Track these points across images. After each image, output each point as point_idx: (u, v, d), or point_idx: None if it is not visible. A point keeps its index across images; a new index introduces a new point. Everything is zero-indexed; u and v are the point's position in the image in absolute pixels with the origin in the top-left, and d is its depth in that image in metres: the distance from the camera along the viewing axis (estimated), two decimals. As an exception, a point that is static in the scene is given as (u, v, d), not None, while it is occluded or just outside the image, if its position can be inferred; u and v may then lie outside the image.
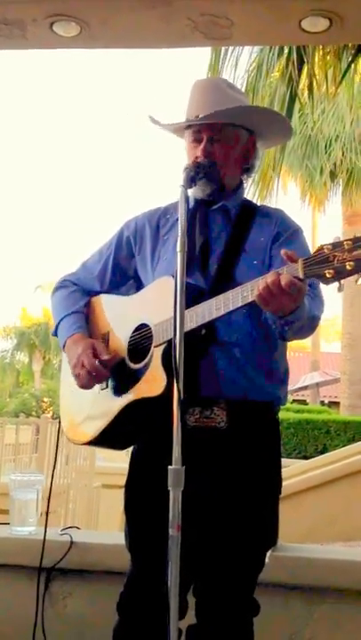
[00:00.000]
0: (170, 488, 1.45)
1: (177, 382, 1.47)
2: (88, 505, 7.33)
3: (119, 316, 1.95)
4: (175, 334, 1.49)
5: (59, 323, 1.99)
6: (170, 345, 1.64)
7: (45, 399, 29.58)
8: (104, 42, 2.95)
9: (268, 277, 1.51)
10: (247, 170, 1.97)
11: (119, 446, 2.00)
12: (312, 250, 1.53)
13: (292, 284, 1.48)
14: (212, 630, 1.74)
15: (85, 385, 1.86)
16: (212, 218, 1.88)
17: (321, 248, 1.44)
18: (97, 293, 2.05)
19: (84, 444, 1.99)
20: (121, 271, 2.03)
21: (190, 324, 1.65)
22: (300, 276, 1.47)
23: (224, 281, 1.78)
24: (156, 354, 1.74)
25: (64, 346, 1.95)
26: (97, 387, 1.89)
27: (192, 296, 1.66)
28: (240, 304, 1.59)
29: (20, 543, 2.53)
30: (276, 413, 1.91)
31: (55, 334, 2.03)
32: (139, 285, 2.01)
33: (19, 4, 2.65)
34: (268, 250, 1.87)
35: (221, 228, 1.89)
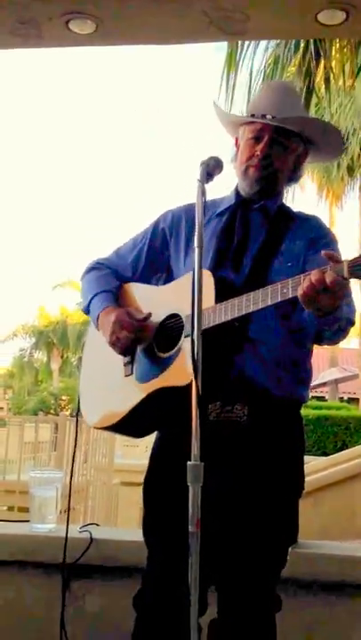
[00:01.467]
0: (189, 484, 1.45)
1: (195, 378, 1.46)
2: (107, 502, 7.37)
3: (150, 304, 1.96)
4: (193, 329, 1.50)
5: (91, 300, 2.02)
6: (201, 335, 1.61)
7: (64, 397, 29.76)
8: (120, 38, 2.95)
9: (313, 275, 1.50)
10: (292, 179, 2.01)
11: (138, 433, 2.02)
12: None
13: (337, 283, 1.48)
14: (234, 624, 1.74)
15: (125, 347, 1.88)
16: (252, 216, 1.91)
17: None
18: (128, 280, 2.07)
19: (105, 428, 2.02)
20: (154, 261, 2.06)
21: (225, 317, 1.67)
22: (345, 275, 1.47)
23: (257, 279, 1.80)
24: (186, 344, 1.75)
25: (97, 320, 1.97)
26: (121, 372, 1.92)
27: (224, 290, 1.72)
28: (279, 299, 1.59)
29: (40, 540, 2.54)
30: (298, 410, 1.90)
31: (87, 312, 2.05)
32: (169, 278, 2.03)
33: (34, 3, 2.65)
34: (303, 254, 1.89)
35: (260, 227, 1.92)
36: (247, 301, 1.65)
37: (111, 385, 1.97)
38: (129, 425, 1.90)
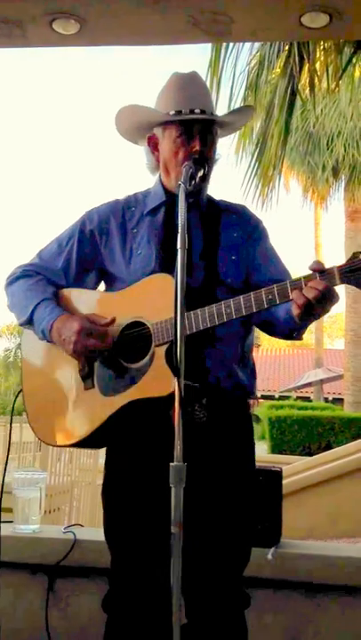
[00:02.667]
0: (171, 485, 1.45)
1: (178, 380, 1.46)
2: (92, 503, 7.34)
3: (101, 311, 1.87)
4: (176, 332, 1.48)
5: (34, 309, 1.88)
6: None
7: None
8: (104, 39, 2.95)
9: (316, 285, 1.56)
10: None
11: (100, 445, 1.95)
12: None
13: (330, 291, 1.56)
14: (206, 626, 1.73)
15: (90, 357, 1.81)
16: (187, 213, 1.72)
17: (356, 256, 1.51)
18: (61, 287, 1.97)
19: (68, 445, 1.95)
20: (84, 265, 1.97)
21: (203, 325, 1.68)
22: (337, 282, 1.55)
23: (211, 278, 1.82)
24: (159, 353, 1.73)
25: (50, 329, 1.84)
26: (76, 386, 1.85)
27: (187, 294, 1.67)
28: (265, 306, 1.63)
29: (24, 541, 2.53)
30: (249, 406, 1.95)
31: (28, 323, 1.91)
32: (104, 279, 1.97)
33: (18, 3, 2.65)
34: (244, 246, 1.92)
35: (196, 223, 1.87)
36: (227, 308, 1.66)
37: (67, 400, 1.86)
38: (95, 439, 1.84)
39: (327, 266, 1.58)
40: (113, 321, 1.81)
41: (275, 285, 1.63)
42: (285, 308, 1.72)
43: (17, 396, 2.13)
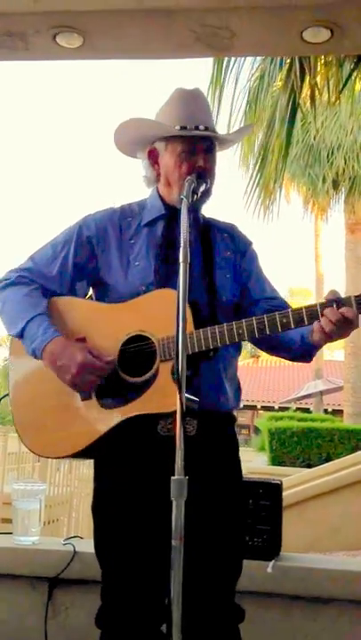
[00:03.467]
0: (173, 498, 1.45)
1: (180, 394, 1.47)
2: (91, 514, 7.32)
3: (99, 322, 1.86)
4: (178, 346, 1.49)
5: (26, 324, 1.83)
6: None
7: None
8: (106, 53, 2.97)
9: (339, 312, 1.64)
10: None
11: (93, 457, 1.91)
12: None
13: (349, 317, 1.65)
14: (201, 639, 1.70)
15: (87, 390, 1.79)
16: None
17: None
18: (52, 293, 1.93)
19: (64, 457, 1.92)
20: (79, 272, 1.94)
21: (213, 344, 1.70)
22: (355, 310, 1.65)
23: (213, 296, 1.85)
24: (164, 369, 1.73)
25: (41, 350, 1.80)
26: (72, 398, 1.82)
27: (196, 312, 1.73)
28: (279, 330, 1.69)
29: (23, 553, 2.52)
30: (235, 420, 1.97)
31: (18, 336, 1.86)
32: (96, 289, 1.96)
33: (22, 16, 2.67)
34: (238, 266, 1.96)
35: (195, 238, 1.88)
36: (239, 329, 1.69)
37: (61, 411, 1.84)
38: (90, 452, 1.83)
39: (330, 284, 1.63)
40: (114, 360, 1.78)
41: (290, 310, 1.69)
42: (299, 333, 1.78)
43: (1, 399, 2.12)
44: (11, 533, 2.60)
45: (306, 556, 2.63)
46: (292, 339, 1.83)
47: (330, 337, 1.69)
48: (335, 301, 1.66)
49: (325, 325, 1.65)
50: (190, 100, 1.92)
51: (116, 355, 1.79)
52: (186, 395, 1.51)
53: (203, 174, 1.84)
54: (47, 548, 2.53)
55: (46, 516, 2.56)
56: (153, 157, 1.94)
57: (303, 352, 1.87)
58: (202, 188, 1.80)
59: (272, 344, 1.92)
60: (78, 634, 2.40)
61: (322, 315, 1.66)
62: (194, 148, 1.87)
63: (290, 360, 1.97)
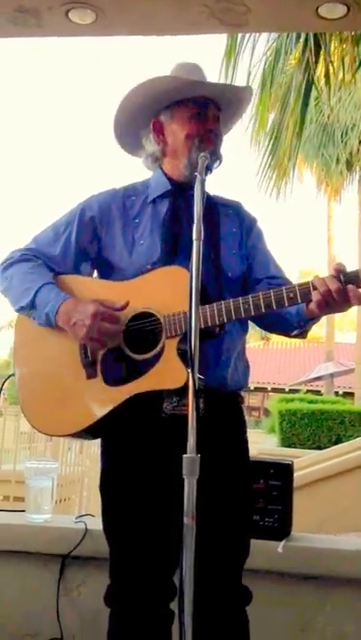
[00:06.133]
0: (184, 476, 1.45)
1: (192, 372, 1.46)
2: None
3: (105, 300, 1.83)
4: (191, 324, 1.48)
5: (37, 292, 1.84)
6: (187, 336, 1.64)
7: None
8: (119, 29, 2.93)
9: (329, 284, 1.62)
10: None
11: (99, 436, 1.92)
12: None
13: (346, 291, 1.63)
14: (205, 625, 1.66)
15: (105, 342, 1.77)
16: (191, 203, 1.63)
17: None
18: (56, 274, 1.93)
19: (67, 435, 1.92)
20: (82, 252, 1.95)
21: (219, 319, 1.69)
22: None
23: (218, 271, 1.83)
24: (170, 345, 1.73)
25: (56, 312, 1.80)
26: (77, 375, 1.82)
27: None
28: (286, 305, 1.67)
29: (36, 530, 2.54)
30: (242, 400, 1.95)
31: (30, 307, 1.85)
32: (100, 269, 1.95)
33: (34, -8, 2.64)
34: (243, 241, 1.94)
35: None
36: (245, 304, 1.67)
37: (66, 389, 1.83)
38: (95, 430, 1.82)
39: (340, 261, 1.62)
40: (127, 305, 1.77)
41: (296, 285, 1.67)
42: (296, 307, 1.75)
43: (5, 381, 2.11)
44: (23, 511, 2.62)
45: (317, 537, 2.63)
46: (289, 311, 1.80)
47: (326, 305, 1.64)
48: (342, 274, 1.63)
49: (320, 287, 1.63)
50: (192, 70, 1.91)
51: (128, 303, 1.78)
52: (189, 372, 1.51)
53: (214, 137, 1.84)
54: (59, 526, 2.55)
55: (58, 494, 2.58)
56: (158, 129, 1.93)
57: (299, 325, 1.82)
58: (216, 165, 1.79)
59: (270, 320, 1.89)
60: (90, 610, 2.42)
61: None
62: (202, 112, 1.87)
63: (286, 336, 1.93)
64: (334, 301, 1.63)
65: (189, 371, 1.46)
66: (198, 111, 1.87)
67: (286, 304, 1.66)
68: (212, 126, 1.87)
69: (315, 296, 1.64)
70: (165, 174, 1.94)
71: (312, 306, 1.66)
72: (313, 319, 1.77)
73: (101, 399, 1.79)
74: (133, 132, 1.98)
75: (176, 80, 1.87)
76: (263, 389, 24.92)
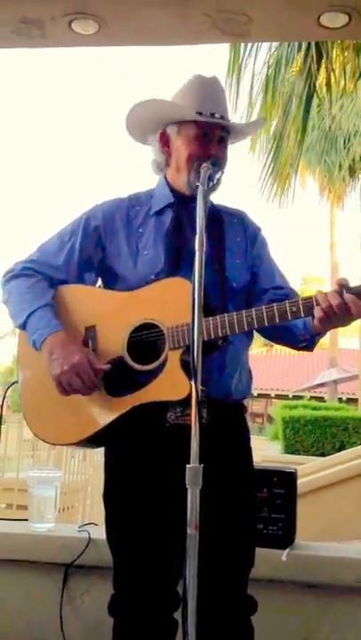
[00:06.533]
0: (188, 486, 1.45)
1: (195, 382, 1.47)
2: (105, 501, 7.36)
3: (109, 310, 1.86)
4: (193, 335, 1.49)
5: (31, 314, 1.85)
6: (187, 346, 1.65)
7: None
8: (122, 39, 2.95)
9: (334, 299, 1.63)
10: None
11: (102, 445, 1.93)
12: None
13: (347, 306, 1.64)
14: (210, 635, 1.68)
15: (68, 392, 1.78)
16: (194, 215, 1.65)
17: None
18: (60, 282, 1.95)
19: (71, 444, 1.93)
20: (86, 261, 1.95)
21: (222, 332, 1.69)
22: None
23: (222, 283, 1.84)
24: (173, 357, 1.73)
25: (43, 341, 1.81)
26: None
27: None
28: (289, 319, 1.68)
29: (39, 539, 2.54)
30: (246, 409, 1.96)
31: (22, 328, 1.88)
32: (104, 279, 1.96)
33: (37, 4, 2.66)
34: (248, 252, 1.95)
35: (205, 225, 1.81)
36: (249, 317, 1.68)
37: (69, 399, 1.82)
38: (96, 440, 1.84)
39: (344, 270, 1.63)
40: (108, 366, 1.78)
41: (300, 299, 1.68)
42: (303, 320, 1.77)
43: (8, 388, 2.12)
44: (26, 520, 2.62)
45: (321, 545, 2.63)
46: (296, 324, 1.82)
47: (328, 320, 1.66)
48: (345, 289, 1.65)
49: (322, 301, 1.64)
50: (208, 87, 1.91)
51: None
52: (192, 383, 1.51)
53: (217, 162, 1.83)
54: (63, 535, 2.55)
55: (61, 502, 2.58)
56: (164, 141, 1.94)
57: (305, 339, 1.85)
58: (218, 176, 1.80)
59: (277, 332, 1.90)
60: (93, 619, 2.42)
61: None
62: (207, 134, 1.87)
63: (293, 348, 1.95)
64: (336, 315, 1.64)
65: (192, 382, 1.47)
66: (204, 132, 1.86)
67: (289, 318, 1.67)
68: (214, 151, 1.86)
69: (317, 312, 1.65)
70: (169, 185, 1.95)
71: (315, 322, 1.68)
72: (319, 334, 1.80)
73: (103, 410, 1.80)
74: (142, 137, 2.00)
75: (179, 109, 1.88)
76: (267, 396, 24.87)
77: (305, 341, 1.86)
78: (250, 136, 2.15)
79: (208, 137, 1.87)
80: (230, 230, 1.95)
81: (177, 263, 1.82)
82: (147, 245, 1.88)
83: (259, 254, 1.99)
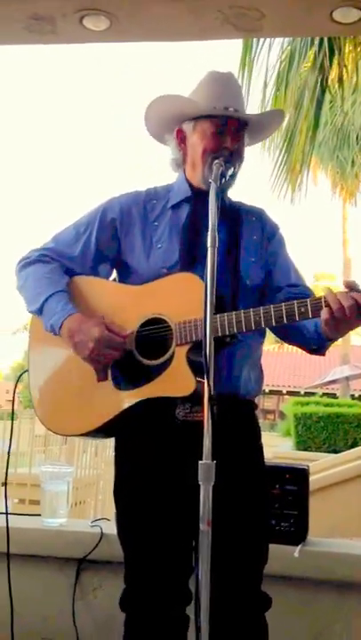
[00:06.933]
0: (200, 482, 1.45)
1: (208, 379, 1.47)
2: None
3: (119, 303, 1.87)
4: (206, 332, 1.49)
5: (45, 300, 1.86)
6: (197, 345, 1.65)
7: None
8: (133, 35, 2.95)
9: (345, 301, 1.59)
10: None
11: (108, 436, 1.96)
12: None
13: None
14: (223, 631, 1.68)
15: (106, 365, 1.80)
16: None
17: None
18: (73, 274, 1.96)
19: (75, 435, 1.96)
20: (101, 253, 1.96)
21: (230, 330, 1.68)
22: None
23: (235, 280, 1.83)
24: (180, 353, 1.73)
25: (59, 327, 1.83)
26: (88, 378, 1.84)
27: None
28: (297, 319, 1.65)
29: (51, 535, 2.56)
30: (256, 407, 1.95)
31: (38, 313, 1.89)
32: (118, 271, 1.97)
33: (49, 0, 2.66)
34: (264, 249, 1.94)
35: (219, 222, 1.82)
36: (257, 316, 1.67)
37: (78, 390, 1.85)
38: (102, 431, 1.86)
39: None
40: (131, 334, 1.80)
41: (308, 299, 1.65)
42: (314, 323, 1.75)
43: (20, 376, 2.13)
44: (39, 515, 2.63)
45: (333, 541, 2.63)
46: (306, 326, 1.81)
47: (335, 322, 1.63)
48: (354, 290, 1.63)
49: (333, 304, 1.60)
50: (222, 83, 1.91)
51: (134, 331, 1.80)
52: (199, 379, 1.51)
53: (229, 156, 1.82)
54: (75, 530, 2.56)
55: (73, 497, 2.59)
56: (180, 138, 1.94)
57: (315, 342, 1.83)
58: (230, 172, 1.79)
59: (287, 332, 1.90)
60: (105, 614, 2.43)
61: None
62: (222, 128, 1.86)
63: (305, 351, 1.93)
64: (345, 316, 1.61)
65: (199, 379, 1.47)
66: (220, 127, 1.86)
67: (297, 318, 1.64)
68: (230, 145, 1.85)
69: (323, 314, 1.62)
70: (187, 180, 1.95)
71: (322, 325, 1.66)
72: (330, 339, 1.77)
73: (111, 402, 1.81)
74: (160, 135, 2.00)
75: (192, 104, 1.88)
76: (278, 392, 24.84)
77: (315, 345, 1.84)
78: (272, 131, 2.11)
79: (223, 132, 1.86)
80: (247, 228, 1.94)
81: (192, 258, 1.81)
82: (161, 238, 1.89)
83: (275, 251, 1.98)
